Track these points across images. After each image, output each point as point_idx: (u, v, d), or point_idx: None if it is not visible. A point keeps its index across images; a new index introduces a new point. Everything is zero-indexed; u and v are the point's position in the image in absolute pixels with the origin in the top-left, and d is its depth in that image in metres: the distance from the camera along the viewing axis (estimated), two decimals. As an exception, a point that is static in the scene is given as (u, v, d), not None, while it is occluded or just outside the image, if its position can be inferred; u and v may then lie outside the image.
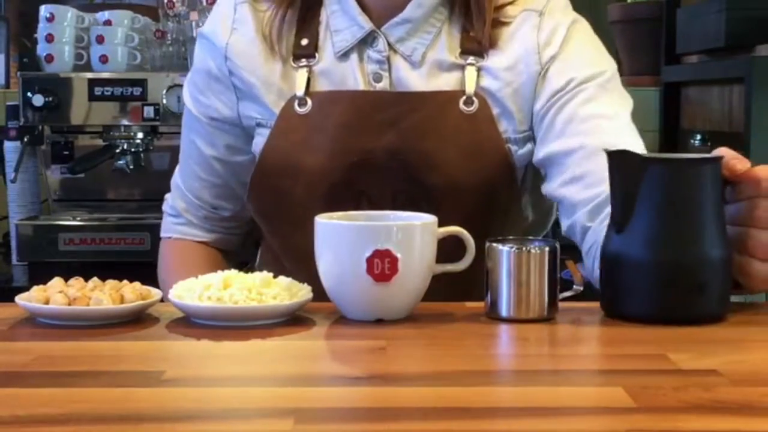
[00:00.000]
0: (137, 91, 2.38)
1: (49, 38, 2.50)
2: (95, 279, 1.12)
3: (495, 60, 1.31)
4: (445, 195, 1.27)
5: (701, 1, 2.62)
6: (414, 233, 1.07)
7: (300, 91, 1.31)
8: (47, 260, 2.41)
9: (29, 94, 2.37)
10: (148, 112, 2.39)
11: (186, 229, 1.47)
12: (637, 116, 1.33)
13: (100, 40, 2.50)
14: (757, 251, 1.01)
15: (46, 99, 2.37)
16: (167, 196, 1.50)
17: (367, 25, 1.31)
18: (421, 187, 1.27)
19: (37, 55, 2.51)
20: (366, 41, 1.32)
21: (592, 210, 1.22)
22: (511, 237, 1.07)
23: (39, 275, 1.64)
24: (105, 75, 2.45)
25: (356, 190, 1.29)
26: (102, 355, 0.97)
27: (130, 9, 2.68)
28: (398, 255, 1.04)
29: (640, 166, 1.02)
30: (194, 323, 1.07)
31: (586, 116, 1.27)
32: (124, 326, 1.06)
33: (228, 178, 1.42)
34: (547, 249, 1.06)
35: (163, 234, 1.50)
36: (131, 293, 1.08)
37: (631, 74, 2.90)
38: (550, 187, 1.29)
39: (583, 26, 1.36)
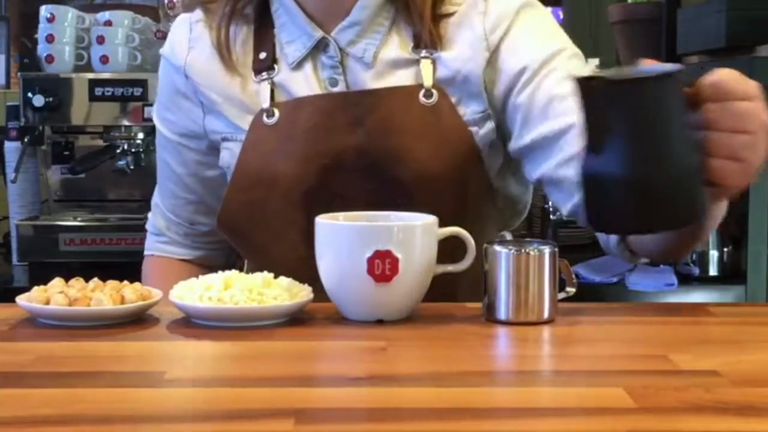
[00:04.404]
0: (138, 91, 2.39)
1: (50, 38, 2.50)
2: (96, 279, 1.12)
3: (447, 50, 1.32)
4: (418, 188, 1.28)
5: (701, 2, 2.62)
6: (414, 234, 1.07)
7: (266, 103, 1.32)
8: (48, 260, 2.41)
9: (30, 94, 2.38)
10: (149, 112, 2.38)
11: (168, 247, 1.50)
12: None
13: (100, 40, 2.50)
14: (716, 151, 1.02)
15: (47, 99, 2.37)
16: (149, 215, 1.53)
17: (317, 33, 1.32)
18: (393, 182, 1.27)
19: (38, 55, 2.51)
20: (318, 48, 1.33)
21: None
22: (509, 239, 1.07)
23: (39, 275, 1.64)
24: (105, 75, 2.45)
25: (330, 192, 1.29)
26: (102, 356, 0.97)
27: (130, 9, 2.68)
28: (399, 255, 1.04)
29: (607, 89, 1.02)
30: (195, 324, 1.07)
31: (565, 94, 1.26)
32: (124, 327, 1.06)
33: (203, 194, 1.45)
34: (546, 251, 1.06)
35: (145, 252, 1.53)
36: (132, 294, 1.08)
37: (631, 74, 2.89)
38: (544, 171, 1.28)
39: (535, 8, 1.36)
